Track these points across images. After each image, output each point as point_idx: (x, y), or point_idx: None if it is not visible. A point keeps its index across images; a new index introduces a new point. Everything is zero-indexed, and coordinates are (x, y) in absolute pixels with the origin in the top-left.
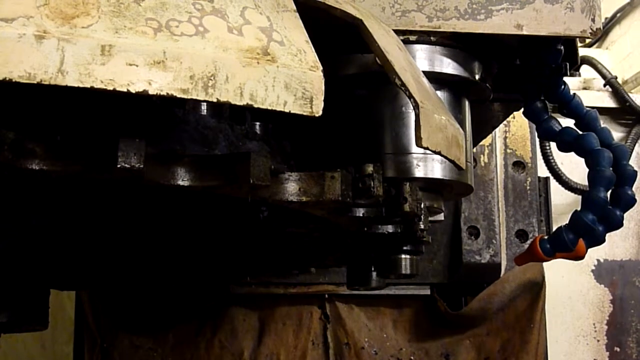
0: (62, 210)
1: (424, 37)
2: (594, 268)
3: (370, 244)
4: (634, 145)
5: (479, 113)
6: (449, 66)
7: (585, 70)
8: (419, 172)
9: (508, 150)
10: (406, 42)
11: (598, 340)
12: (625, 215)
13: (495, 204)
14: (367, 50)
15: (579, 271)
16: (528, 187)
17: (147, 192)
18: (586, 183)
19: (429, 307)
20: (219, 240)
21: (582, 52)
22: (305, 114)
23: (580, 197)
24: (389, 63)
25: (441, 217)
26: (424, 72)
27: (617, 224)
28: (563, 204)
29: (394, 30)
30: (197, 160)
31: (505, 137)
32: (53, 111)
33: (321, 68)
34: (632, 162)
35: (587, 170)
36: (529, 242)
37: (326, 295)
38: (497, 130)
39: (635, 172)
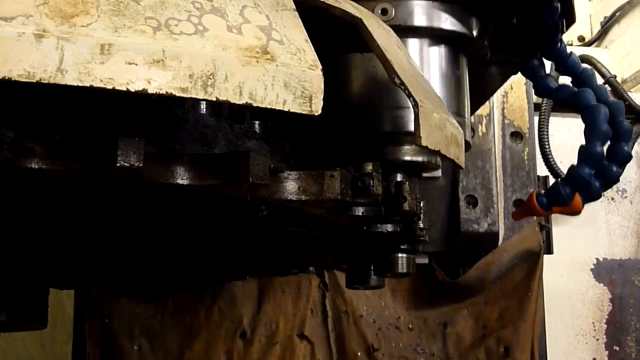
0: (62, 209)
1: None
2: (593, 267)
3: (369, 243)
4: (634, 144)
5: (477, 78)
6: (446, 21)
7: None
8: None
9: (506, 121)
10: None
11: (597, 339)
12: (625, 214)
13: (493, 173)
14: (366, 49)
15: (578, 270)
16: (526, 158)
17: (146, 190)
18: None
19: (427, 276)
20: (218, 240)
21: (582, 51)
22: (304, 112)
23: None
24: (389, 62)
25: (438, 173)
26: (421, 27)
27: (614, 180)
28: None
29: None
30: (196, 159)
31: (503, 108)
32: (52, 110)
33: (320, 67)
34: (632, 161)
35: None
36: None
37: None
38: (495, 101)
39: (631, 128)
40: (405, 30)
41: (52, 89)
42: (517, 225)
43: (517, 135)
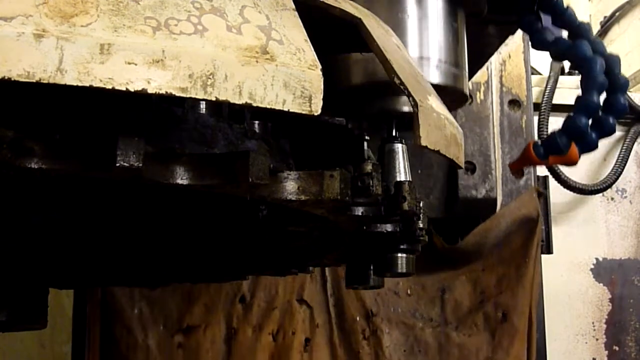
0: (61, 208)
1: None
2: (592, 267)
3: (368, 242)
4: (633, 144)
5: (475, 38)
6: None
7: None
8: None
9: (504, 89)
10: None
11: (597, 339)
12: (624, 214)
13: (491, 140)
14: (366, 49)
15: (578, 270)
16: (524, 125)
17: (145, 190)
18: (585, 181)
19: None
20: (218, 240)
21: None
22: (304, 112)
23: (579, 196)
24: (388, 62)
25: None
26: None
27: (610, 131)
28: (562, 203)
29: None
30: (196, 159)
31: (501, 76)
32: (52, 110)
33: (320, 67)
34: (631, 160)
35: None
36: (524, 178)
37: None
38: (493, 69)
39: (627, 80)
40: None
41: (52, 89)
42: (515, 191)
43: (515, 103)
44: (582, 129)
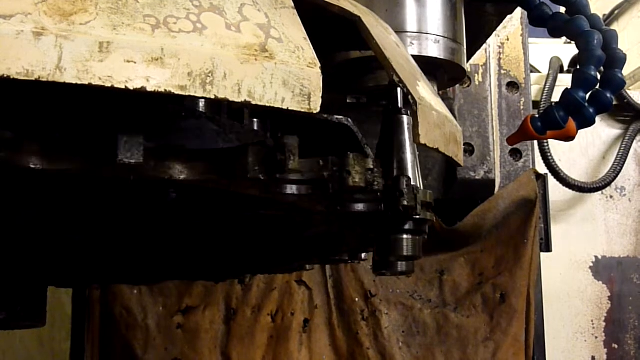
0: (61, 206)
1: None
2: (592, 265)
3: (366, 226)
4: (632, 141)
5: (473, 17)
6: None
7: None
8: (412, 50)
9: (502, 71)
10: None
11: (596, 337)
12: (623, 212)
13: (489, 122)
14: (365, 47)
15: (577, 268)
16: (522, 108)
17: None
18: (584, 180)
19: None
20: (220, 236)
21: None
22: (303, 110)
23: (578, 194)
24: (387, 60)
25: None
26: None
27: (607, 106)
28: (561, 201)
29: None
30: (195, 155)
31: (500, 59)
32: (51, 108)
33: (319, 65)
34: (630, 158)
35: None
36: (522, 160)
37: None
38: (491, 51)
39: (625, 55)
40: None
41: (51, 87)
42: (513, 173)
43: (513, 85)
44: (580, 103)
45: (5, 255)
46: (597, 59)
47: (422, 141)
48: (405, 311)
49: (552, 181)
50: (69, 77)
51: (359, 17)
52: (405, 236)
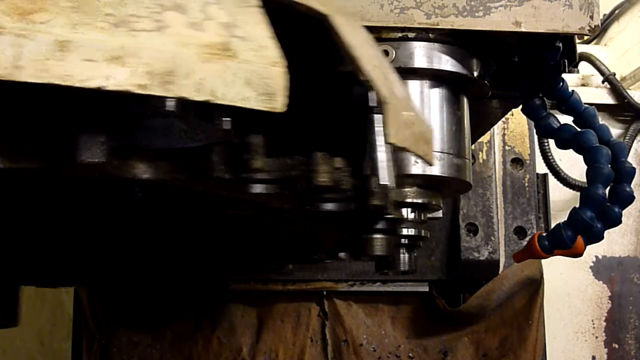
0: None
1: (423, 34)
2: (592, 264)
3: (339, 224)
4: (633, 141)
5: (477, 110)
6: (447, 63)
7: (584, 66)
8: (416, 170)
9: (506, 147)
10: (405, 39)
11: (597, 337)
12: (624, 212)
13: (493, 200)
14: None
15: (578, 268)
16: (526, 184)
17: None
18: (584, 179)
19: (427, 304)
20: (196, 237)
21: (581, 48)
22: (266, 109)
23: (579, 193)
24: (355, 59)
25: (439, 214)
26: (422, 69)
27: (616, 221)
28: (562, 201)
29: (392, 27)
30: (159, 154)
31: (504, 134)
32: (11, 108)
33: (285, 64)
34: (631, 158)
35: (586, 167)
36: (527, 239)
37: (324, 292)
38: (495, 127)
39: (634, 169)
40: (406, 72)
41: (10, 87)
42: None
43: (517, 161)
44: (588, 223)
45: None
46: (605, 177)
47: (392, 140)
48: None
49: (552, 181)
50: (27, 76)
51: (327, 16)
52: (376, 235)
